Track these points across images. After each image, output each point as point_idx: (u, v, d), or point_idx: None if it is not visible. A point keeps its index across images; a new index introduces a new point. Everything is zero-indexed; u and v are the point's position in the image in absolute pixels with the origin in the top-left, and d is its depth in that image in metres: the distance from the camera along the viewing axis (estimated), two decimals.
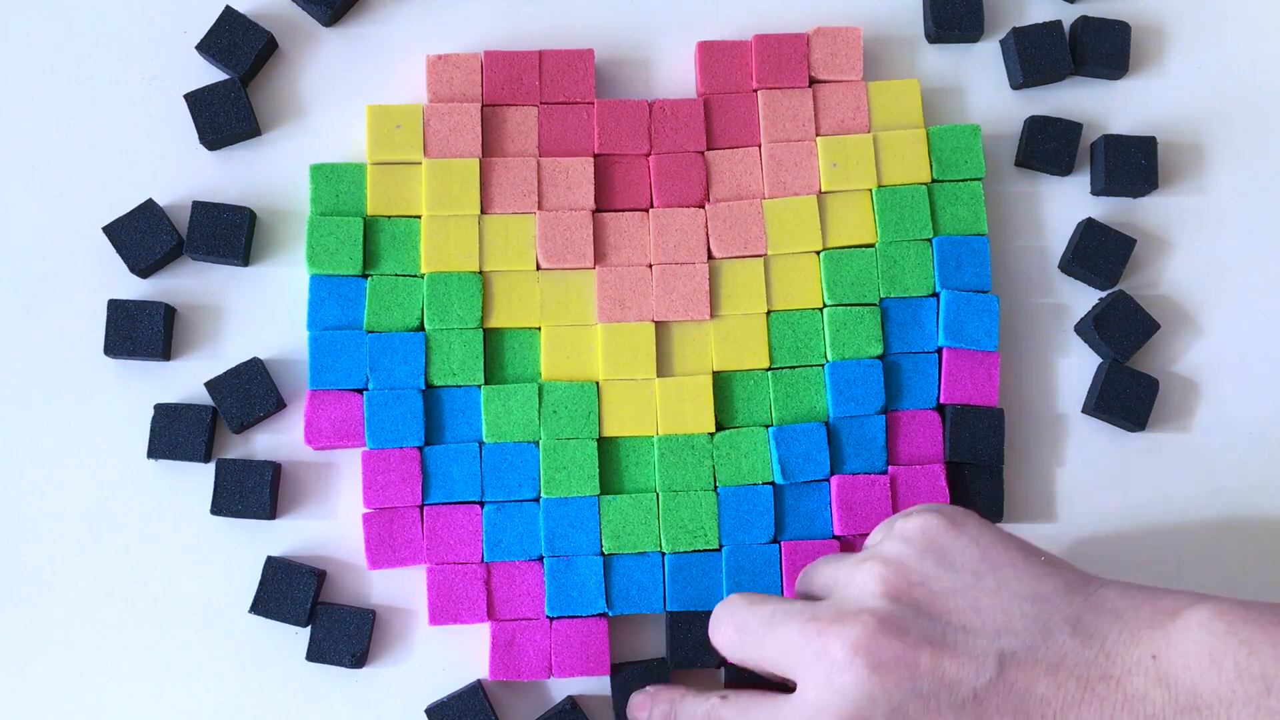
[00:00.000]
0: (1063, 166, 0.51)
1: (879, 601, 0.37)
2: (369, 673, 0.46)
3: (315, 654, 0.45)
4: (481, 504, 0.46)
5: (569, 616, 0.45)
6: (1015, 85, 0.52)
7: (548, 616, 0.45)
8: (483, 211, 0.48)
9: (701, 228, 0.48)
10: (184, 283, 0.49)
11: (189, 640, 0.46)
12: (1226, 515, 0.49)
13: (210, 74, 0.50)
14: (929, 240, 0.49)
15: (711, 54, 0.50)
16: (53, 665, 0.46)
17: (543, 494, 0.46)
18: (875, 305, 0.48)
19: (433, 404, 0.46)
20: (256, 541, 0.46)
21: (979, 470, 0.47)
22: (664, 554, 0.46)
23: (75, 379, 0.48)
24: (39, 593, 0.46)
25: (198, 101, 0.49)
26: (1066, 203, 0.51)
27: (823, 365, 0.48)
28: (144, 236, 0.48)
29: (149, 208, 0.48)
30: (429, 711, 0.45)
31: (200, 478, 0.47)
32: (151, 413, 0.47)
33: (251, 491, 0.46)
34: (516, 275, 0.48)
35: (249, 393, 0.47)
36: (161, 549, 0.46)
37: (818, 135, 0.49)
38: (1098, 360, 0.50)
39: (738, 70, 0.50)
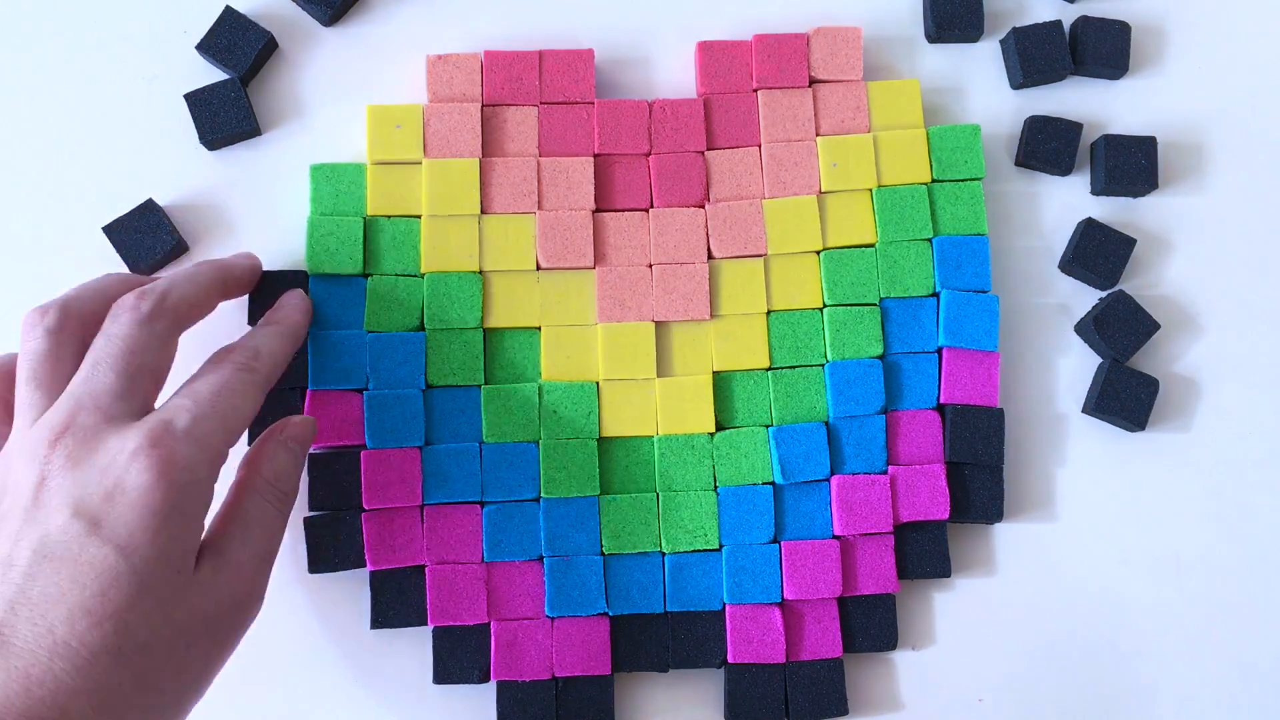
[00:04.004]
0: (1063, 166, 0.50)
1: None
2: (371, 665, 0.46)
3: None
4: (481, 504, 0.46)
5: (569, 616, 0.45)
6: (1015, 85, 0.52)
7: (548, 616, 0.45)
8: (483, 211, 0.48)
9: (701, 228, 0.48)
10: None
11: None
12: (1226, 515, 0.49)
13: (210, 74, 0.50)
14: (929, 240, 0.49)
15: (711, 54, 0.50)
16: None
17: (543, 494, 0.46)
18: (875, 305, 0.48)
19: (433, 404, 0.46)
20: None
21: (979, 470, 0.47)
22: (664, 554, 0.46)
23: None
24: None
25: (198, 101, 0.49)
26: (1066, 203, 0.51)
27: (823, 365, 0.48)
28: (144, 236, 0.48)
29: (149, 208, 0.48)
30: None
31: None
32: None
33: None
34: (516, 275, 0.48)
35: None
36: None
37: (818, 135, 0.49)
38: (1098, 360, 0.50)
39: (738, 70, 0.50)
